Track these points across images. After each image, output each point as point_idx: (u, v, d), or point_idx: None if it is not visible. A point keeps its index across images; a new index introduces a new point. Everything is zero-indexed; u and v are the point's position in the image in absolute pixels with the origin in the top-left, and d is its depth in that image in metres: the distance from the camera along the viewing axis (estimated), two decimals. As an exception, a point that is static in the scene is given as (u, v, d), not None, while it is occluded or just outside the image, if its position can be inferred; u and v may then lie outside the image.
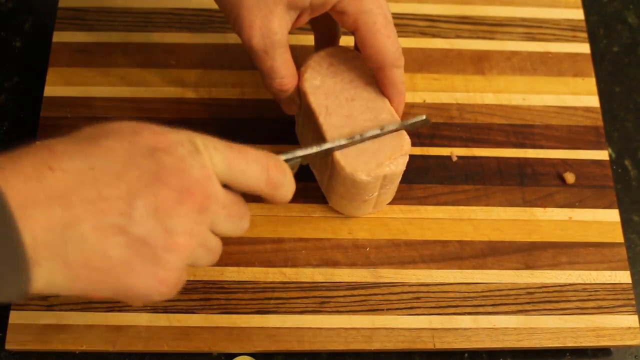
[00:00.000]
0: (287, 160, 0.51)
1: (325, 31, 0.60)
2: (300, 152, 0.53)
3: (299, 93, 0.58)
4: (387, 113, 0.57)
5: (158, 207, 0.40)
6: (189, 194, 0.41)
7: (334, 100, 0.57)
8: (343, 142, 0.55)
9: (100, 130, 0.42)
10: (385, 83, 0.56)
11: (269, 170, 0.46)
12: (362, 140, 0.55)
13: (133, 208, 0.39)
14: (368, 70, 0.58)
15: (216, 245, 0.45)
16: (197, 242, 0.42)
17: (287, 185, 0.48)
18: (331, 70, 0.58)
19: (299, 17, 0.54)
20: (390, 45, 0.54)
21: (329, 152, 0.55)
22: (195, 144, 0.42)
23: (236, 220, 0.45)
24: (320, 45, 0.61)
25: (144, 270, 0.40)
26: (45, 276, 0.38)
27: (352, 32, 0.55)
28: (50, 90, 0.66)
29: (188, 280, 0.59)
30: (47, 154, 0.39)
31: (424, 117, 0.57)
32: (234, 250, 0.61)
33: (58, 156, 0.39)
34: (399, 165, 0.56)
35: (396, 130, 0.56)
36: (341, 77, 0.58)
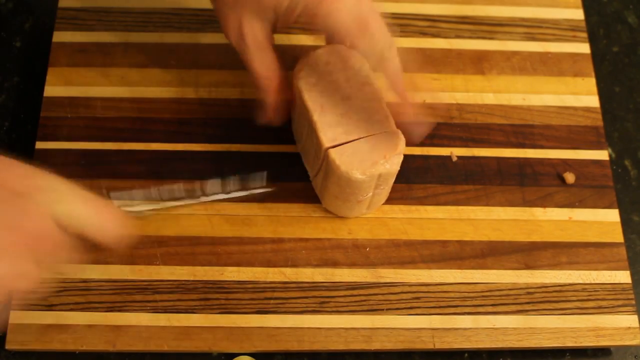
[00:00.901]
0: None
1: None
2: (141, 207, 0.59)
3: (294, 92, 0.58)
4: (381, 114, 0.57)
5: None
6: (36, 232, 0.43)
7: (329, 98, 0.57)
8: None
9: None
10: (375, 65, 0.57)
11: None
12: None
13: None
14: (365, 70, 0.58)
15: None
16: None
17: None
18: (327, 68, 0.58)
19: (276, 22, 0.56)
20: (358, 29, 0.54)
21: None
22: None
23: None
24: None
25: None
26: None
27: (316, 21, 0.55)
28: (50, 90, 0.66)
29: (188, 280, 0.60)
30: None
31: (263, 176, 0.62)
32: (234, 250, 0.61)
33: None
34: (394, 165, 0.55)
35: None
36: (337, 76, 0.58)
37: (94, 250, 0.47)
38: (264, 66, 0.57)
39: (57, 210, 0.44)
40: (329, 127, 0.56)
